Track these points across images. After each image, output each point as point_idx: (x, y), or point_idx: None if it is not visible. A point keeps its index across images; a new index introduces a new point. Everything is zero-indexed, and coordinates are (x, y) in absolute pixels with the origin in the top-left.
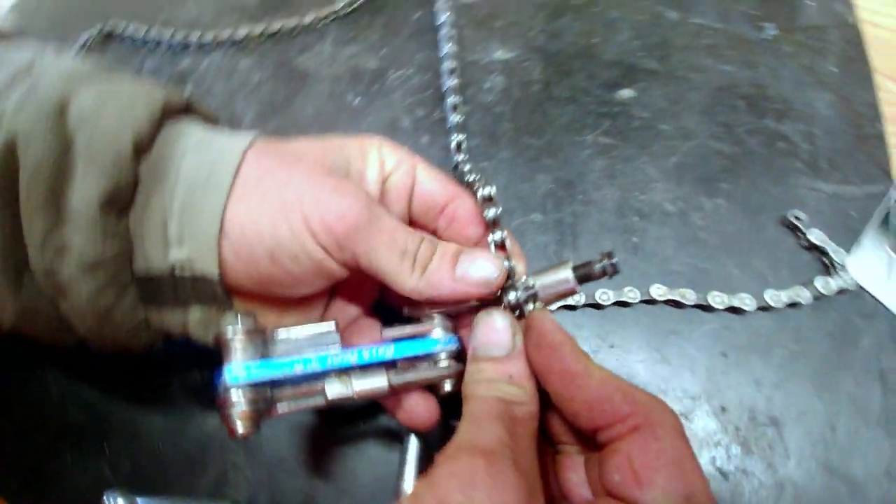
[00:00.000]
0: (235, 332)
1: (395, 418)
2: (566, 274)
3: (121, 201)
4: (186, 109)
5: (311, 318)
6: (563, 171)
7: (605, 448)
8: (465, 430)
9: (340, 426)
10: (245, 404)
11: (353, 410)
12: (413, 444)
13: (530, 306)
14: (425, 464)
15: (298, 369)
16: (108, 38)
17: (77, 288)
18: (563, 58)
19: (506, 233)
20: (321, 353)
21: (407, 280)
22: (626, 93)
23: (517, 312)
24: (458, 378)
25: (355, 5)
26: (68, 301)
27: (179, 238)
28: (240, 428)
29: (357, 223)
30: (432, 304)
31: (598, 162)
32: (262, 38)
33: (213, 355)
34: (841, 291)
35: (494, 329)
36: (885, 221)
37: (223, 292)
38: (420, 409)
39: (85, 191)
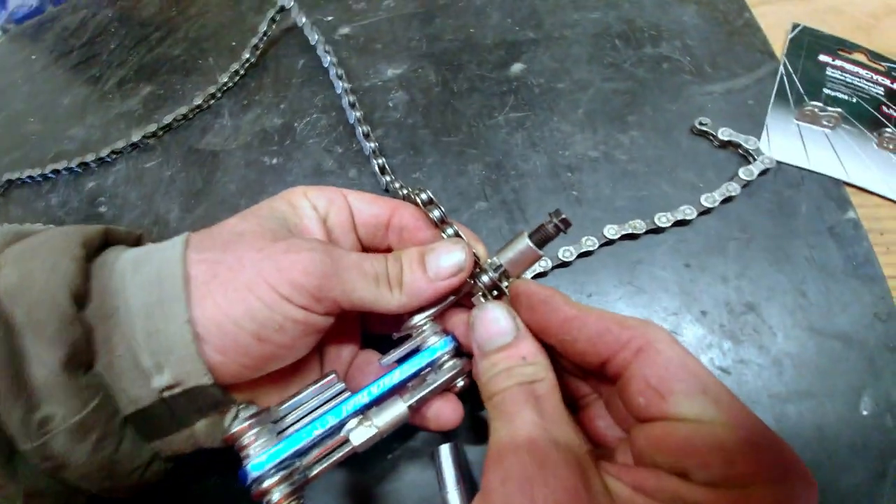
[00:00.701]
0: (242, 425)
1: (425, 429)
2: (525, 242)
3: (81, 357)
4: (106, 239)
5: (310, 380)
6: (489, 155)
7: (619, 380)
8: (499, 428)
9: (369, 462)
10: (282, 488)
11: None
12: (445, 452)
13: (504, 283)
14: (462, 467)
15: (318, 432)
16: (7, 187)
17: (73, 454)
18: (450, 55)
19: (455, 225)
20: (333, 407)
21: (390, 300)
22: (517, 67)
23: (495, 292)
24: (467, 372)
25: (240, 74)
26: (69, 469)
27: (157, 366)
28: None
29: (324, 271)
30: (419, 312)
31: (517, 136)
32: (158, 134)
33: (224, 452)
34: (763, 173)
35: (493, 320)
36: (781, 94)
37: (222, 393)
38: (445, 411)
39: (43, 364)
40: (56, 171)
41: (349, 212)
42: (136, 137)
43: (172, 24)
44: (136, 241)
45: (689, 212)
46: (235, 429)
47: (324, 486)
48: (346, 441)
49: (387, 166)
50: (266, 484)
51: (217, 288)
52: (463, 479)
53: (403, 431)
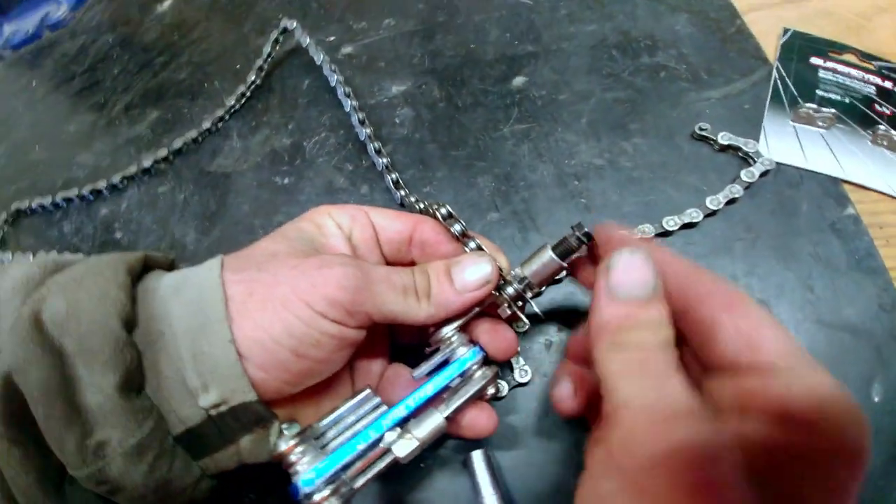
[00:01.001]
0: (288, 443)
1: (461, 438)
2: (548, 255)
3: (134, 381)
4: (145, 264)
5: (343, 395)
6: (497, 167)
7: (698, 330)
8: (644, 390)
9: (403, 472)
10: (332, 501)
11: None
12: (478, 458)
13: (529, 294)
14: (494, 473)
15: (361, 447)
16: (16, 217)
17: (131, 476)
18: (453, 71)
19: (478, 239)
20: (373, 422)
21: (419, 312)
22: (518, 80)
23: (520, 302)
24: (495, 381)
25: (246, 96)
26: (126, 492)
27: (204, 385)
28: None
29: (357, 285)
30: (446, 323)
31: (523, 147)
32: (169, 158)
33: (260, 468)
34: (764, 174)
35: (638, 267)
36: (776, 98)
37: (265, 409)
38: (480, 419)
39: (99, 389)
40: (67, 199)
41: (372, 229)
42: (147, 162)
43: (175, 49)
44: (171, 266)
45: (695, 214)
46: (283, 447)
47: (360, 499)
48: (387, 452)
49: (400, 181)
50: (317, 497)
51: (254, 306)
52: (497, 484)
53: (435, 440)
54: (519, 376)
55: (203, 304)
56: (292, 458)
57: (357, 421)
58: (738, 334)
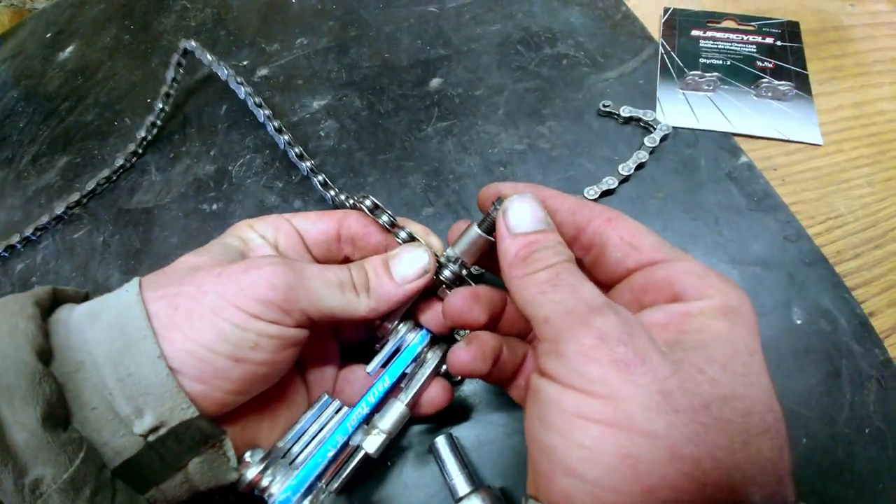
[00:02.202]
0: (256, 470)
1: (422, 416)
2: (475, 231)
3: (59, 414)
4: (55, 298)
5: (300, 405)
6: (425, 165)
7: (594, 248)
8: (563, 300)
9: (368, 476)
10: None
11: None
12: (442, 443)
13: (465, 272)
14: (460, 454)
15: (331, 453)
16: None
17: None
18: (371, 80)
19: (407, 226)
20: (337, 426)
21: (359, 306)
22: (435, 82)
23: (459, 282)
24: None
25: (157, 125)
26: None
27: (137, 410)
28: None
29: (288, 283)
30: (389, 315)
31: (448, 143)
32: (82, 202)
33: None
34: (664, 138)
35: (530, 209)
36: (665, 71)
37: (210, 425)
38: (436, 395)
39: (23, 426)
40: None
41: (297, 235)
42: (59, 209)
43: (81, 92)
44: (84, 299)
45: (611, 182)
46: (251, 475)
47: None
48: (357, 450)
49: (328, 181)
50: None
51: (181, 319)
52: (463, 464)
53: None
54: None
55: (123, 326)
56: (263, 483)
57: (321, 429)
58: (622, 241)
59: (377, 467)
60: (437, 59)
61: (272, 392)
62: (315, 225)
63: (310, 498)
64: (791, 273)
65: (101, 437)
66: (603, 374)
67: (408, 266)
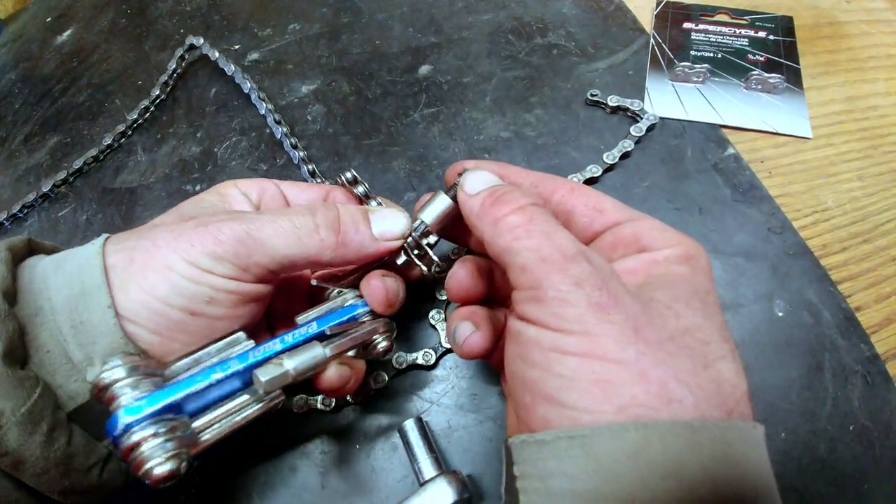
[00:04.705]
0: (116, 369)
1: (319, 388)
2: (444, 199)
3: (17, 352)
4: (30, 249)
5: None
6: (411, 150)
7: (562, 219)
8: (538, 246)
9: (339, 459)
10: (159, 442)
11: (340, 444)
12: (410, 425)
13: (426, 241)
14: (428, 438)
15: (216, 377)
16: None
17: (29, 447)
18: (360, 66)
19: (378, 199)
20: (240, 353)
21: (322, 250)
22: (424, 69)
23: (417, 250)
24: (387, 333)
25: (150, 111)
26: (27, 465)
27: (88, 358)
28: (157, 469)
29: (236, 236)
30: (350, 270)
31: (434, 129)
32: (69, 181)
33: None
34: (651, 128)
35: (486, 175)
36: (655, 62)
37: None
38: (342, 374)
39: None
40: None
41: (282, 198)
42: (45, 187)
43: (74, 74)
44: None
45: (595, 170)
46: (107, 374)
47: (301, 485)
48: (249, 405)
49: (317, 171)
50: (136, 436)
51: (137, 271)
52: (431, 448)
53: (366, 423)
54: (446, 343)
55: (82, 275)
56: (116, 389)
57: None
58: (587, 207)
59: (345, 449)
60: (428, 46)
61: None
62: (303, 192)
63: (165, 423)
64: (774, 265)
65: (56, 380)
66: (580, 315)
67: (389, 223)
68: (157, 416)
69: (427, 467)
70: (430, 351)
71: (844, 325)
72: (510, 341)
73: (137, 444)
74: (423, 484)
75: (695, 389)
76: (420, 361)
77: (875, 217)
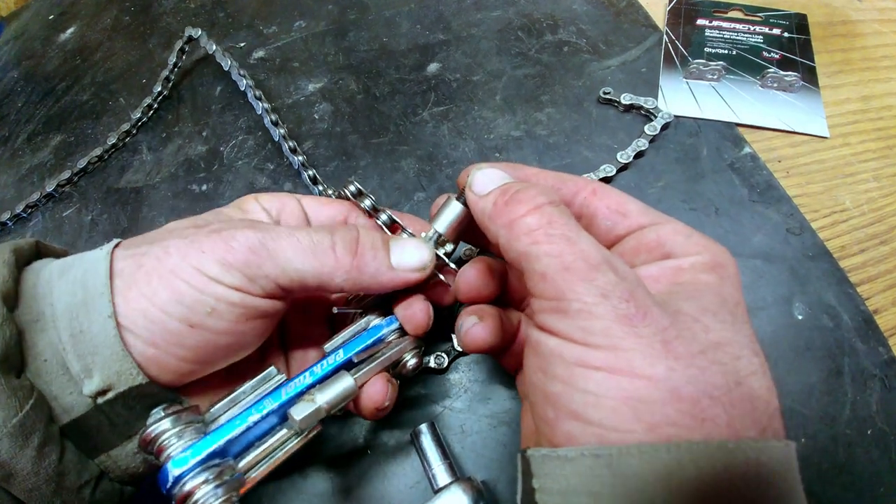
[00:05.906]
0: (161, 422)
1: (356, 411)
2: (456, 205)
3: (13, 360)
4: (37, 251)
5: None
6: (420, 149)
7: (582, 220)
8: (559, 252)
9: (351, 464)
10: (211, 489)
11: (352, 449)
12: (424, 430)
13: (441, 250)
14: (441, 444)
15: (253, 419)
16: None
17: (19, 461)
18: (368, 64)
19: (388, 211)
20: (272, 391)
21: (335, 271)
22: (433, 67)
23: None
24: (415, 350)
25: (154, 108)
26: (17, 479)
27: (86, 370)
28: None
29: (250, 245)
30: (365, 296)
31: (443, 128)
32: (73, 181)
33: None
34: (665, 127)
35: (495, 173)
36: (668, 59)
37: (164, 392)
38: (380, 389)
39: None
40: None
41: (303, 214)
42: (49, 187)
43: (78, 72)
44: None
45: (609, 169)
46: (153, 427)
47: (312, 490)
48: (289, 440)
49: (318, 176)
50: (189, 485)
51: (142, 277)
52: (445, 454)
53: (378, 427)
54: (458, 346)
55: (86, 281)
56: (164, 441)
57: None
58: (610, 210)
59: (357, 454)
60: (436, 43)
61: (247, 369)
62: (323, 209)
63: (213, 470)
64: (793, 267)
65: (51, 391)
66: (606, 328)
67: (409, 255)
68: (204, 464)
69: (441, 474)
70: (443, 354)
71: (863, 328)
72: (529, 351)
73: (190, 494)
74: (437, 491)
75: (728, 407)
76: (433, 365)
77: (891, 218)
